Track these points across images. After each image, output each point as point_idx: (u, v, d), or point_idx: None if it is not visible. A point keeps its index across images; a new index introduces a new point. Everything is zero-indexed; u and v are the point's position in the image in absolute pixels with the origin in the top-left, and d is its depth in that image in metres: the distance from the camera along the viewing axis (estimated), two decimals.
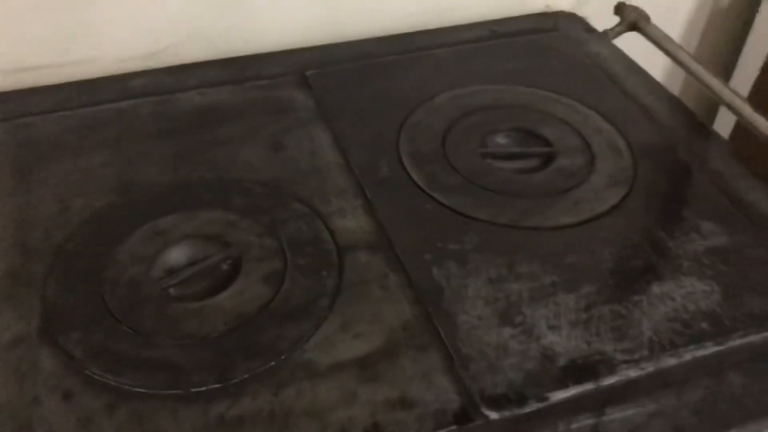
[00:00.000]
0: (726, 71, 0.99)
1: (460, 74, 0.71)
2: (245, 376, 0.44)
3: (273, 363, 0.45)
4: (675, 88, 1.02)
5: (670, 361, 0.46)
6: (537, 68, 0.73)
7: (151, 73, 0.69)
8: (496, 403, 0.43)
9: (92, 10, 0.68)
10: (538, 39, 0.78)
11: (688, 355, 0.47)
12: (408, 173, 0.59)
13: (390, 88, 0.69)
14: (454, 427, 0.42)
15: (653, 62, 0.78)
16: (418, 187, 0.58)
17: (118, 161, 0.59)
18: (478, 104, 0.67)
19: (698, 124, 0.67)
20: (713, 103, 1.02)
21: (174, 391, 0.43)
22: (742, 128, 0.68)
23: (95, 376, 0.44)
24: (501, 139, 0.64)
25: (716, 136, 0.66)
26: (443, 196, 0.57)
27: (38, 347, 0.45)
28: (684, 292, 0.51)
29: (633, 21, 0.79)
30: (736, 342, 0.48)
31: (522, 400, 0.44)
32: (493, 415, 0.43)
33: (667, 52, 0.76)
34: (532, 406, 0.43)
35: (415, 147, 0.62)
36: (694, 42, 0.98)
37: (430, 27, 0.79)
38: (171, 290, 0.50)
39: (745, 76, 0.93)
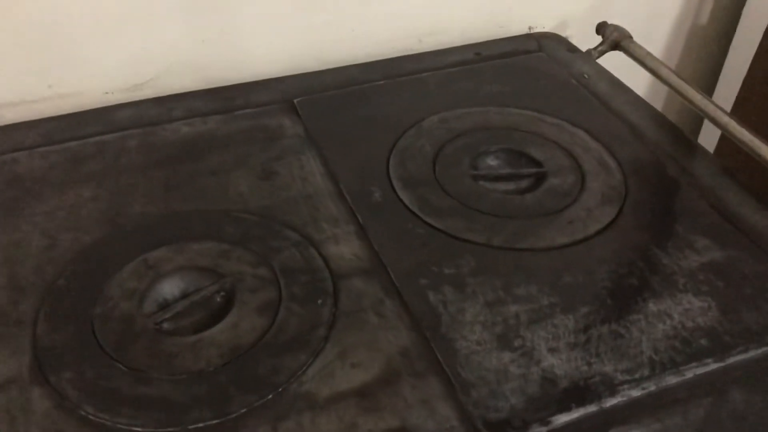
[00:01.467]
0: (708, 87, 1.00)
1: (447, 97, 0.71)
2: (243, 410, 0.43)
3: (271, 396, 0.44)
4: (657, 106, 1.02)
5: (671, 380, 0.46)
6: (523, 89, 0.73)
7: (137, 104, 0.69)
8: (499, 428, 0.43)
9: (74, 44, 0.67)
10: (523, 60, 0.78)
11: (689, 373, 0.47)
12: (399, 198, 0.59)
13: (378, 112, 0.69)
14: None
15: (634, 80, 0.78)
16: (411, 211, 0.58)
17: (105, 195, 0.59)
18: (466, 127, 0.67)
19: (685, 140, 0.68)
20: (696, 119, 1.03)
21: (171, 429, 0.42)
22: (727, 142, 0.68)
23: (90, 416, 0.43)
24: (491, 161, 0.64)
25: (703, 151, 0.67)
26: (436, 219, 0.57)
27: (30, 388, 0.44)
28: (681, 310, 0.50)
29: (616, 40, 0.80)
30: (737, 358, 0.48)
31: (525, 425, 0.43)
32: None
33: (650, 70, 0.77)
34: (536, 431, 0.43)
35: (405, 171, 0.62)
36: (675, 59, 0.99)
37: (413, 52, 0.79)
38: (164, 324, 0.49)
39: (727, 91, 0.94)
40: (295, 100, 0.70)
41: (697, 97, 0.71)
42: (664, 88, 0.87)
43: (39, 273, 0.51)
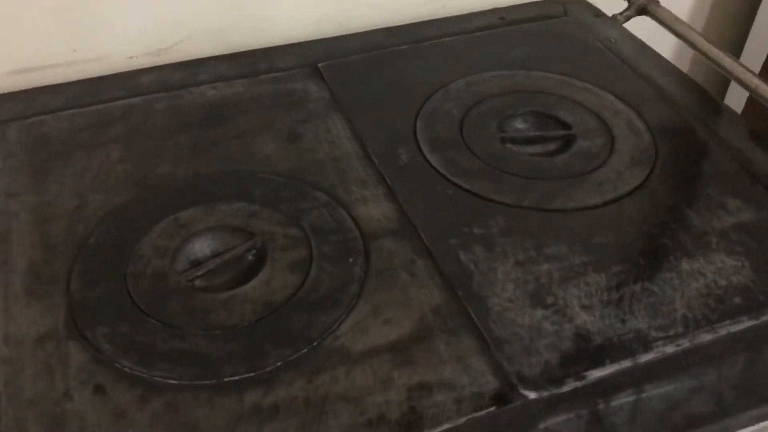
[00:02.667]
0: (735, 50, 0.99)
1: (473, 61, 0.71)
2: (278, 364, 0.43)
3: (305, 350, 0.44)
4: (683, 67, 1.01)
5: (705, 337, 0.46)
6: (549, 53, 0.72)
7: (161, 68, 0.69)
8: (533, 383, 0.43)
9: (99, 8, 0.67)
10: (549, 25, 0.77)
11: (723, 330, 0.46)
12: (427, 160, 0.59)
13: (403, 77, 0.69)
14: (492, 409, 0.42)
15: (659, 44, 0.77)
16: (439, 173, 0.58)
17: (133, 157, 0.59)
18: (493, 90, 0.67)
19: (714, 103, 0.67)
20: (722, 83, 1.02)
21: (207, 382, 0.42)
22: (754, 104, 0.67)
23: (125, 369, 0.43)
24: (519, 124, 0.64)
25: (732, 114, 0.66)
26: (464, 181, 0.57)
27: (66, 342, 0.44)
28: (714, 269, 0.50)
29: (642, 4, 0.79)
30: None
31: (560, 379, 0.43)
32: (532, 395, 0.42)
33: (677, 34, 0.76)
34: (570, 385, 0.43)
35: (432, 134, 0.61)
36: (701, 21, 0.98)
37: (437, 17, 0.78)
38: (196, 282, 0.49)
39: (755, 53, 0.93)
40: (319, 65, 0.69)
41: (725, 60, 0.70)
42: (689, 53, 0.86)
43: (70, 232, 0.52)
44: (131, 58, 0.70)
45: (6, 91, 0.65)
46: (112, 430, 0.40)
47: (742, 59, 0.95)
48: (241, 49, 0.72)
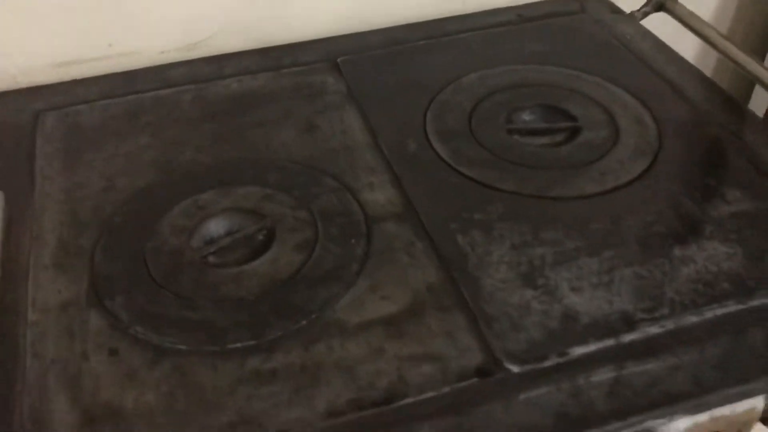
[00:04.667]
0: (762, 50, 0.98)
1: (488, 57, 0.73)
2: (279, 333, 0.47)
3: (305, 322, 0.47)
4: (707, 71, 1.01)
5: (691, 319, 0.47)
6: (563, 49, 0.74)
7: (191, 63, 0.73)
8: (517, 357, 0.45)
9: (133, 6, 0.71)
10: (565, 21, 0.79)
11: (709, 314, 0.48)
12: (434, 149, 0.61)
13: (418, 71, 0.71)
14: (476, 380, 0.44)
15: (683, 45, 0.78)
16: (445, 162, 0.60)
17: (159, 144, 0.63)
18: (504, 83, 0.69)
19: (726, 98, 0.67)
20: (747, 87, 1.01)
21: (212, 348, 0.46)
22: None
23: (139, 335, 0.47)
24: (527, 116, 0.66)
25: (743, 109, 0.66)
26: (468, 169, 0.59)
27: (87, 310, 0.48)
28: (706, 255, 0.51)
29: (660, 1, 0.80)
30: (759, 301, 0.48)
31: (543, 355, 0.45)
32: (515, 369, 0.44)
33: (694, 31, 0.76)
34: (553, 361, 0.45)
35: (441, 124, 0.64)
36: (726, 22, 0.98)
37: (457, 14, 0.80)
38: (210, 258, 0.52)
39: None
40: (338, 59, 0.73)
41: (747, 60, 0.70)
42: (713, 54, 0.86)
43: (97, 211, 0.56)
44: (163, 52, 0.74)
45: (48, 83, 0.70)
46: (123, 388, 0.44)
47: None
48: (267, 44, 0.76)
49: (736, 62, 0.72)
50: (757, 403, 0.47)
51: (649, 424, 0.43)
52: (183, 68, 0.72)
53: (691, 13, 0.77)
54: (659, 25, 0.80)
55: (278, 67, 0.72)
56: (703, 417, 0.46)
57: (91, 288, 0.50)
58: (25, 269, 0.51)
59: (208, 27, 0.75)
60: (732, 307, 0.48)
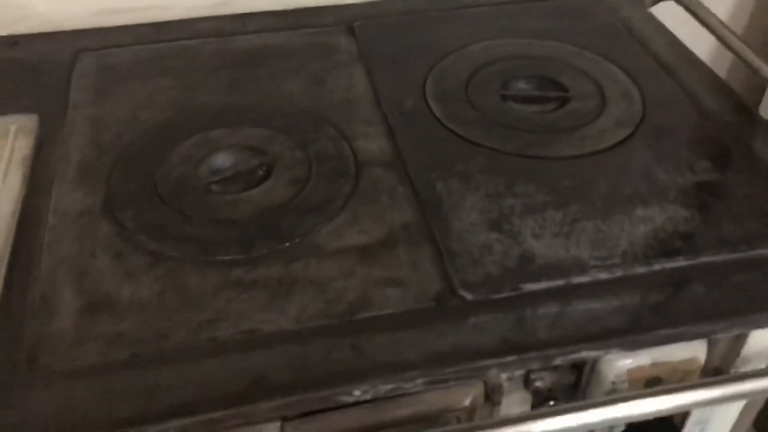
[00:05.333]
0: None
1: (494, 29, 0.77)
2: (264, 251, 0.52)
3: (287, 244, 0.53)
4: (723, 67, 1.03)
5: (639, 269, 0.51)
6: (568, 27, 0.78)
7: (218, 18, 0.79)
8: (472, 287, 0.50)
9: None
10: (575, 3, 0.83)
11: (657, 266, 0.52)
12: (430, 108, 0.66)
13: (427, 39, 0.76)
14: (432, 304, 0.49)
15: (700, 39, 0.80)
16: (437, 119, 0.65)
17: (180, 86, 0.69)
18: (505, 54, 0.73)
19: (715, 79, 0.71)
20: (760, 90, 1.03)
21: (203, 258, 0.52)
22: None
23: (142, 242, 0.53)
24: (522, 85, 0.70)
25: (730, 91, 0.69)
26: (457, 127, 0.64)
27: (99, 219, 0.55)
28: (666, 217, 0.55)
29: None
30: (706, 259, 0.52)
31: (496, 288, 0.50)
32: (468, 297, 0.49)
33: (701, 21, 0.79)
34: (505, 293, 0.50)
35: (440, 87, 0.69)
36: (743, 21, 1.00)
37: None
38: (212, 186, 0.58)
39: None
40: (354, 24, 0.78)
41: (744, 49, 0.73)
42: (729, 57, 0.87)
43: (119, 138, 0.62)
44: (194, 8, 0.80)
45: (88, 28, 0.77)
46: (122, 284, 0.50)
47: None
48: (291, 7, 0.81)
49: (736, 53, 0.74)
50: (698, 352, 0.52)
51: (585, 354, 0.47)
52: (209, 22, 0.78)
53: (698, 2, 0.80)
54: (682, 23, 0.81)
55: (297, 26, 0.78)
56: (643, 359, 0.50)
57: (105, 201, 0.56)
58: (50, 182, 0.58)
59: None
60: (680, 262, 0.52)
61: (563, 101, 0.67)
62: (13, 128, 0.61)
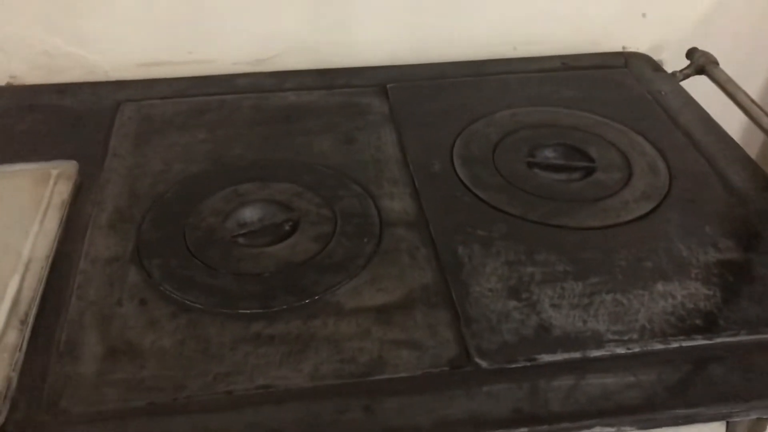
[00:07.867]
0: None
1: (524, 97, 0.79)
2: (283, 307, 0.53)
3: (307, 301, 0.54)
4: (754, 145, 1.03)
5: (657, 346, 0.51)
6: (597, 97, 0.79)
7: (256, 75, 0.82)
8: (488, 355, 0.50)
9: (214, 21, 0.81)
10: (605, 73, 0.84)
11: (675, 344, 0.51)
12: (456, 171, 0.67)
13: (457, 103, 0.78)
14: (447, 369, 0.49)
15: (732, 118, 0.81)
16: (462, 183, 0.66)
17: (215, 140, 0.71)
18: (533, 121, 0.74)
19: (743, 156, 0.71)
20: None
21: (224, 310, 0.53)
22: None
23: (166, 292, 0.54)
24: (548, 153, 0.71)
25: (757, 167, 0.69)
26: (482, 192, 0.65)
27: (128, 266, 0.56)
28: (686, 293, 0.55)
29: (701, 64, 0.84)
30: (726, 339, 0.52)
31: (512, 357, 0.50)
32: (483, 364, 0.49)
33: (730, 96, 0.80)
34: (520, 363, 0.50)
35: (467, 151, 0.70)
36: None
37: (506, 57, 0.87)
38: (239, 239, 0.60)
39: None
40: (387, 85, 0.80)
41: None
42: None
43: (152, 188, 0.64)
44: (234, 64, 0.83)
45: (132, 79, 0.80)
46: (145, 332, 0.51)
47: None
48: (327, 66, 0.84)
49: (765, 131, 0.74)
50: None
51: (598, 430, 0.47)
52: (249, 79, 0.81)
53: (728, 78, 0.81)
54: (713, 98, 0.81)
55: (332, 86, 0.80)
56: None
57: (135, 249, 0.58)
58: (84, 227, 0.60)
59: (276, 46, 0.83)
60: (698, 341, 0.51)
61: (589, 171, 0.68)
62: (54, 173, 0.64)
